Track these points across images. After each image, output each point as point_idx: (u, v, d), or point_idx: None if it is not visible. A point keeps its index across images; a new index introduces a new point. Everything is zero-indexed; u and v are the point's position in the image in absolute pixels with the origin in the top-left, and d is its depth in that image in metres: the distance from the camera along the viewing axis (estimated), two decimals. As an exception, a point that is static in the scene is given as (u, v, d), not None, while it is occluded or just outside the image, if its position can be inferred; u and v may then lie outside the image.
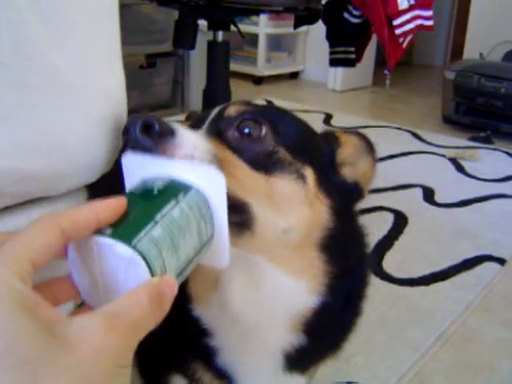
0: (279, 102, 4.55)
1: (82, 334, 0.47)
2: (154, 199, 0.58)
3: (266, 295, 0.81)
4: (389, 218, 2.46)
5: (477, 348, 1.62)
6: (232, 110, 0.81)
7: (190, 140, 0.67)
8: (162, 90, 4.09)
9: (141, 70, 3.91)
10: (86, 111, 0.69)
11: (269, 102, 4.54)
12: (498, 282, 1.99)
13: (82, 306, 0.59)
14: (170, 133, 0.65)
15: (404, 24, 2.35)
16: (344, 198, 0.88)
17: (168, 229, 0.55)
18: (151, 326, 0.52)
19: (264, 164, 0.76)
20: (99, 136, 0.71)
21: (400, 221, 2.45)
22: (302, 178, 0.79)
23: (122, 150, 0.65)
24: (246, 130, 0.77)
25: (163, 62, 4.00)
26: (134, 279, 0.52)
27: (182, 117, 3.51)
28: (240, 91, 4.79)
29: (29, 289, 0.47)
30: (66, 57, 0.66)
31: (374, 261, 2.05)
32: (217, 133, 0.77)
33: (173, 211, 0.57)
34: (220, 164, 0.68)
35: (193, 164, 0.63)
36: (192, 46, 2.73)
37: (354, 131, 0.95)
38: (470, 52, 4.93)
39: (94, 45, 0.71)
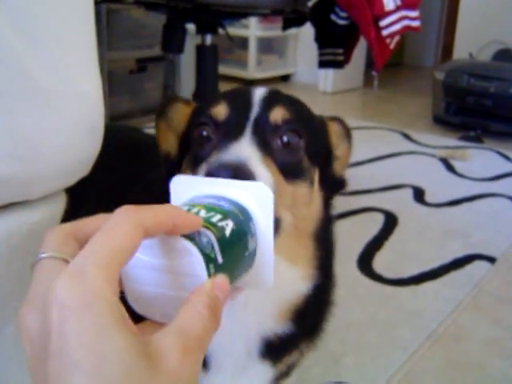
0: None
1: (161, 355, 0.44)
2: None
3: None
4: (379, 219, 2.47)
5: (467, 347, 1.62)
6: (278, 116, 0.81)
7: (264, 179, 0.69)
8: (153, 94, 4.09)
9: (131, 74, 3.91)
10: (62, 116, 0.69)
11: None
12: (488, 281, 2.00)
13: None
14: (251, 175, 0.67)
15: (391, 25, 2.35)
16: (332, 189, 0.94)
17: (228, 253, 0.55)
18: (211, 339, 0.50)
19: (293, 172, 0.79)
20: (75, 140, 0.71)
21: (390, 221, 2.45)
22: (312, 182, 0.84)
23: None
24: (287, 140, 0.80)
25: (153, 66, 4.00)
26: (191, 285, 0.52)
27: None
28: (231, 94, 4.79)
29: (118, 299, 0.44)
30: (41, 62, 0.66)
31: (365, 263, 2.06)
32: (263, 141, 0.76)
33: (231, 233, 0.57)
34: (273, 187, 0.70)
35: (241, 182, 0.62)
36: (180, 50, 2.73)
37: (335, 117, 1.00)
38: (460, 52, 4.95)
39: (69, 50, 0.71)
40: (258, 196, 0.61)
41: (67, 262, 0.50)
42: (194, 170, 0.80)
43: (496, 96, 3.87)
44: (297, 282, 0.87)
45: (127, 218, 0.48)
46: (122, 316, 0.44)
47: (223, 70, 3.47)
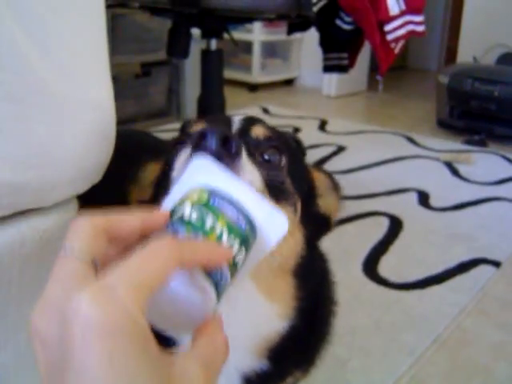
0: (275, 109, 4.57)
1: (186, 380, 0.45)
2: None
3: (240, 315, 0.80)
4: (384, 223, 2.47)
5: (472, 351, 1.62)
6: (260, 133, 0.79)
7: (250, 166, 0.68)
8: (158, 98, 4.10)
9: (136, 78, 3.92)
10: (75, 123, 0.70)
11: (265, 110, 4.55)
12: (494, 285, 2.00)
13: None
14: (239, 154, 0.65)
15: (395, 30, 2.36)
16: (315, 228, 0.91)
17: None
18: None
19: (276, 191, 0.76)
20: (88, 147, 0.72)
21: (395, 225, 2.46)
22: (295, 210, 0.81)
23: (181, 147, 0.65)
24: (267, 157, 0.78)
25: (158, 70, 4.01)
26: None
27: (178, 125, 3.51)
28: (235, 98, 4.81)
29: (145, 320, 0.44)
30: (54, 70, 0.67)
31: (370, 267, 2.06)
32: (247, 152, 0.74)
33: (241, 265, 0.58)
34: None
35: (262, 199, 0.62)
36: (185, 55, 2.74)
37: (321, 169, 0.99)
38: (464, 56, 4.95)
39: (82, 57, 0.72)
40: (271, 224, 0.61)
41: (93, 264, 0.48)
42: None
43: (500, 100, 3.88)
44: (272, 318, 0.84)
45: (168, 247, 0.48)
46: (149, 339, 0.44)
47: (227, 74, 3.48)
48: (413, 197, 2.82)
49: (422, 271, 2.05)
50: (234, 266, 0.56)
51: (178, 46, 2.73)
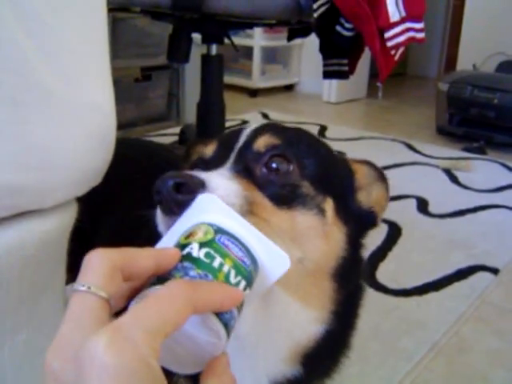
0: (274, 115, 4.57)
1: None
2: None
3: (274, 321, 0.79)
4: (383, 229, 2.47)
5: (470, 358, 1.62)
6: (261, 144, 0.79)
7: (222, 187, 0.67)
8: (158, 102, 4.11)
9: (136, 83, 3.93)
10: (75, 126, 0.70)
11: (264, 115, 4.56)
12: (491, 292, 2.00)
13: None
14: (201, 185, 0.65)
15: (395, 36, 2.36)
16: (359, 225, 0.88)
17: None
18: None
19: (287, 199, 0.75)
20: (88, 149, 0.72)
21: (394, 232, 2.46)
22: (321, 211, 0.79)
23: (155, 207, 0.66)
24: (274, 166, 0.77)
25: (158, 75, 4.02)
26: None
27: (178, 129, 3.51)
28: (235, 104, 4.82)
29: (158, 365, 0.44)
30: (55, 73, 0.67)
31: (367, 278, 2.06)
32: (244, 169, 0.75)
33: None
34: (250, 207, 0.69)
35: (264, 237, 0.62)
36: (186, 60, 2.74)
37: (363, 160, 0.96)
38: (464, 63, 4.96)
39: (83, 60, 0.72)
40: (273, 261, 0.62)
41: (108, 302, 0.49)
42: None
43: (499, 107, 3.89)
44: (308, 324, 0.82)
45: (183, 293, 0.49)
46: (162, 383, 0.45)
47: (227, 79, 3.48)
48: (412, 203, 2.83)
49: (421, 278, 2.05)
50: (240, 306, 0.57)
51: (178, 50, 2.73)
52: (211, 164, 0.78)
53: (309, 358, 0.84)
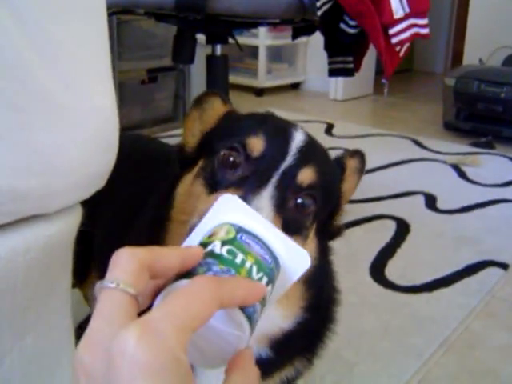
0: (281, 113, 4.55)
1: None
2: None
3: None
4: (391, 226, 2.47)
5: (480, 354, 1.62)
6: (305, 179, 0.80)
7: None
8: (164, 104, 4.12)
9: (142, 85, 3.94)
10: (78, 131, 0.70)
11: (271, 114, 4.55)
12: (501, 287, 2.00)
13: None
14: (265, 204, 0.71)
15: (400, 33, 2.35)
16: (329, 236, 0.94)
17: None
18: None
19: (292, 229, 0.77)
20: (91, 154, 0.73)
21: (402, 228, 2.45)
22: (306, 235, 0.83)
23: None
24: (301, 202, 0.79)
25: (164, 76, 4.03)
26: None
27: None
28: (242, 103, 4.82)
29: (187, 360, 0.45)
30: (56, 78, 0.67)
31: (378, 271, 2.06)
32: (281, 197, 0.76)
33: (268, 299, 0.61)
34: None
35: (285, 236, 0.64)
36: (191, 61, 2.75)
37: (357, 151, 0.99)
38: (470, 58, 4.94)
39: (84, 65, 0.72)
40: (294, 260, 0.64)
41: (136, 298, 0.50)
42: (204, 185, 0.81)
43: (507, 101, 3.87)
44: (276, 318, 0.87)
45: (209, 288, 0.50)
46: (191, 377, 0.45)
47: (233, 78, 3.48)
48: (420, 200, 2.82)
49: (430, 274, 2.05)
50: (263, 300, 0.58)
51: (183, 51, 2.74)
52: (253, 170, 0.78)
53: (276, 343, 0.88)
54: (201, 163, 0.86)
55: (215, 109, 0.95)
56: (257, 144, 0.80)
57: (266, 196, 0.74)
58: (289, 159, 0.80)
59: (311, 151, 0.84)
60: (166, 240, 0.87)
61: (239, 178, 0.78)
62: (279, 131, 0.85)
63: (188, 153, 0.94)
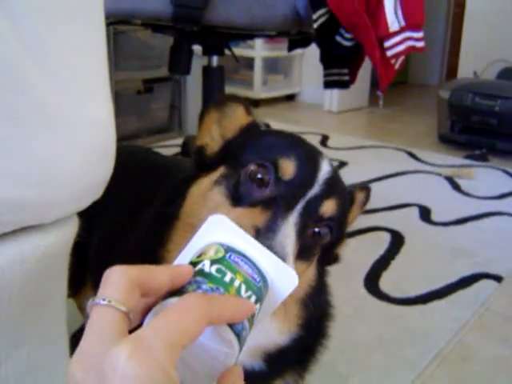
0: (276, 125, 4.58)
1: None
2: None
3: None
4: (385, 238, 2.47)
5: (474, 366, 1.62)
6: (327, 211, 0.81)
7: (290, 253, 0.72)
8: (160, 114, 4.13)
9: (138, 95, 3.95)
10: (75, 141, 0.70)
11: (266, 125, 4.56)
12: (495, 300, 2.00)
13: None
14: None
15: (395, 46, 2.37)
16: (328, 263, 0.98)
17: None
18: None
19: (301, 255, 0.79)
20: (88, 165, 0.73)
21: (397, 240, 2.46)
22: (311, 262, 0.86)
23: None
24: (318, 232, 0.81)
25: (160, 86, 4.04)
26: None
27: (180, 141, 3.51)
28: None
29: (177, 375, 0.46)
30: (54, 88, 0.67)
31: (372, 283, 2.06)
32: (303, 224, 0.77)
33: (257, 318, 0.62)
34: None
35: (273, 256, 0.65)
36: (187, 71, 2.76)
37: (365, 186, 1.03)
38: (465, 71, 4.98)
39: (82, 76, 0.72)
40: (282, 279, 0.64)
41: (128, 316, 0.51)
42: (226, 195, 0.81)
43: (501, 114, 3.89)
44: (273, 334, 0.88)
45: (199, 305, 0.51)
46: None
47: (229, 89, 3.49)
48: (414, 212, 2.83)
49: (424, 286, 2.05)
50: (251, 318, 0.59)
51: (179, 62, 2.75)
52: (280, 193, 0.78)
53: (271, 357, 0.89)
54: (222, 170, 0.86)
55: (238, 117, 0.95)
56: (289, 167, 0.80)
57: (292, 222, 0.75)
58: (315, 188, 0.80)
59: (335, 183, 0.85)
60: (171, 238, 0.87)
61: (266, 197, 0.78)
62: (309, 157, 0.85)
63: (207, 156, 0.93)
